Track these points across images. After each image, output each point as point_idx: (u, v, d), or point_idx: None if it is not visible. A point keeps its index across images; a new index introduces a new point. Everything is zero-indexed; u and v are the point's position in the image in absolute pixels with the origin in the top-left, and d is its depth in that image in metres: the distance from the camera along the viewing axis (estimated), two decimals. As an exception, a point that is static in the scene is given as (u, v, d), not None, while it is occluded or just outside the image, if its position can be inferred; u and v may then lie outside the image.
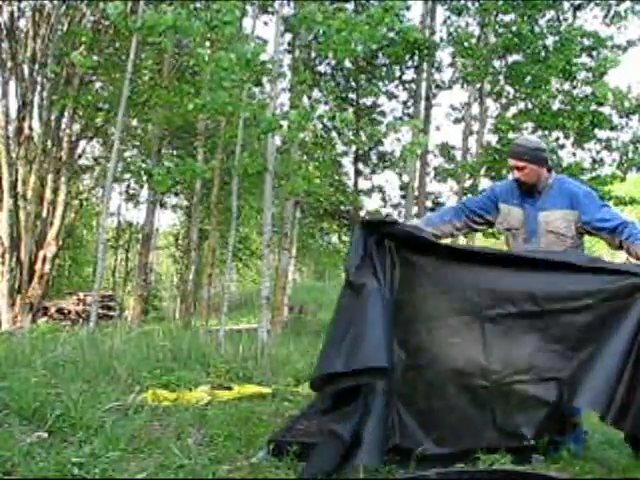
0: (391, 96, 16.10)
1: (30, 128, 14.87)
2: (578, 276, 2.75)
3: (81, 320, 13.18)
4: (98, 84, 16.47)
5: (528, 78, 12.47)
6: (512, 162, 3.16)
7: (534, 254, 2.97)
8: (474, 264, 2.91)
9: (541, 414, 2.72)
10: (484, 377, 2.79)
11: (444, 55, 41.81)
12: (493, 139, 13.49)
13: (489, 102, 13.83)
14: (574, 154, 13.17)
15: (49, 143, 15.18)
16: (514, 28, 12.46)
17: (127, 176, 22.21)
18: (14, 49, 14.40)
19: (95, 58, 12.10)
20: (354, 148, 16.08)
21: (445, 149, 14.47)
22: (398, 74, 15.51)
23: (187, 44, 14.01)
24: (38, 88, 14.95)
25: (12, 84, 14.54)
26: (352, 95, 15.95)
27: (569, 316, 2.70)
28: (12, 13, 14.46)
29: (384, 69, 15.31)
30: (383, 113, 16.48)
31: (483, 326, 2.83)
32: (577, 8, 13.17)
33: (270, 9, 12.35)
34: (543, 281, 2.78)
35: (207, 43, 9.66)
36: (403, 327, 2.92)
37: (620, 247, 3.07)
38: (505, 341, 2.79)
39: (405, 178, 15.37)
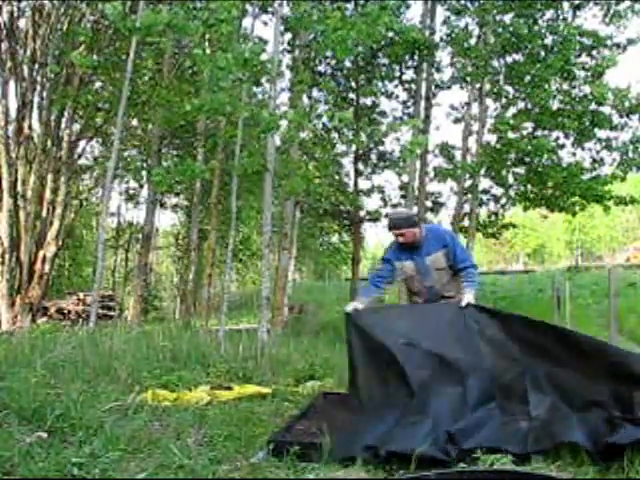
0: (391, 96, 16.07)
1: (30, 128, 14.85)
2: None
3: (81, 320, 13.15)
4: (98, 84, 16.42)
5: (527, 78, 12.47)
6: (395, 232, 4.11)
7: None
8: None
9: None
10: None
11: (444, 55, 41.77)
12: (493, 139, 13.48)
13: (489, 102, 13.82)
14: (574, 154, 13.16)
15: (49, 143, 15.16)
16: (512, 28, 12.44)
17: (127, 175, 22.21)
18: (14, 49, 14.38)
19: (95, 58, 12.08)
20: (354, 148, 16.06)
21: (445, 149, 14.45)
22: (398, 74, 15.47)
23: (187, 44, 14.02)
24: (38, 88, 14.93)
25: (12, 84, 14.55)
26: (352, 95, 15.93)
27: None
28: (12, 13, 14.44)
29: (384, 69, 15.26)
30: (383, 113, 16.45)
31: None
32: (577, 7, 13.15)
33: (269, 9, 12.34)
34: None
35: (206, 43, 9.66)
36: None
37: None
38: None
39: (405, 178, 15.36)
